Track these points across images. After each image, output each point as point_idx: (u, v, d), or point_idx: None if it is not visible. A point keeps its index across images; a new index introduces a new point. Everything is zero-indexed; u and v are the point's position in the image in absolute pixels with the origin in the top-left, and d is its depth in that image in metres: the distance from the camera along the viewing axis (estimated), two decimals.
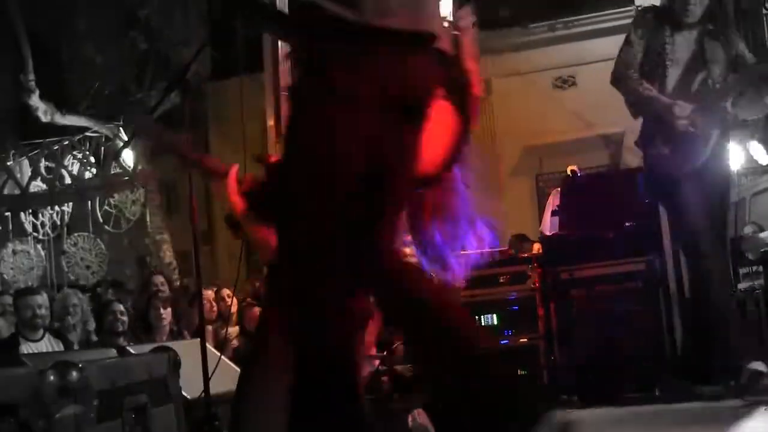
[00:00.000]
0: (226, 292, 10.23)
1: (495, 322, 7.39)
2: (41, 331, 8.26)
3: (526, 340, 7.29)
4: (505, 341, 7.28)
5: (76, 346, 8.72)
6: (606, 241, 7.22)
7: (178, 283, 14.12)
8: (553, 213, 8.31)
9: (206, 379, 3.69)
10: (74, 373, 2.77)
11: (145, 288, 11.27)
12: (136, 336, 8.79)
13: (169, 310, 9.23)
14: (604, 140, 16.31)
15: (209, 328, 9.06)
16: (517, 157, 17.58)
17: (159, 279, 11.42)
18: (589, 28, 16.80)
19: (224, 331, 9.35)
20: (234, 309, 9.85)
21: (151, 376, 3.30)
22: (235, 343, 9.24)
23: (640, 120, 6.02)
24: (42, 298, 8.48)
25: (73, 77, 18.04)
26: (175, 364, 3.48)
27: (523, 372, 7.14)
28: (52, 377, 2.75)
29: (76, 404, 2.75)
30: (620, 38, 6.11)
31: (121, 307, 8.61)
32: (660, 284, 6.95)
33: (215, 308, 9.99)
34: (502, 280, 7.40)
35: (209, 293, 9.87)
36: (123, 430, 2.96)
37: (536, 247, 9.40)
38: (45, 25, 17.14)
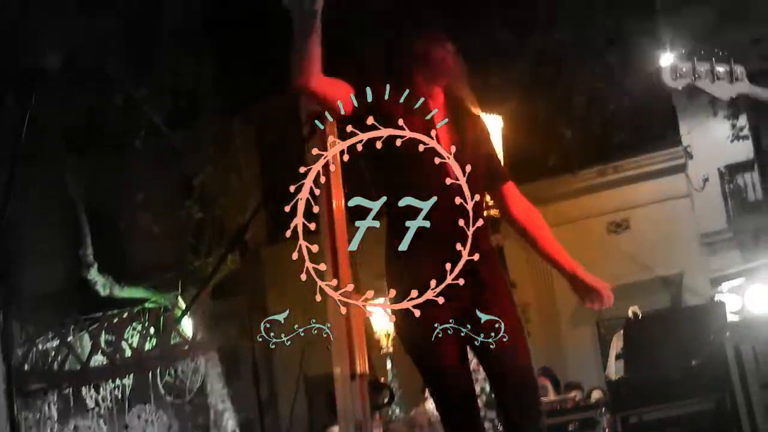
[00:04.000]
0: None
1: None
2: None
3: None
4: None
5: None
6: (673, 381, 7.10)
7: None
8: (618, 356, 8.20)
9: None
10: None
11: None
12: None
13: None
14: (662, 282, 16.10)
15: None
16: (576, 304, 17.44)
17: None
18: (639, 171, 16.73)
19: None
20: None
21: None
22: None
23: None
24: None
25: (131, 249, 18.33)
26: None
27: None
28: None
29: None
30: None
31: None
32: (732, 422, 6.78)
33: None
34: (571, 428, 7.28)
35: None
36: None
37: (594, 395, 9.24)
38: (103, 198, 17.51)
